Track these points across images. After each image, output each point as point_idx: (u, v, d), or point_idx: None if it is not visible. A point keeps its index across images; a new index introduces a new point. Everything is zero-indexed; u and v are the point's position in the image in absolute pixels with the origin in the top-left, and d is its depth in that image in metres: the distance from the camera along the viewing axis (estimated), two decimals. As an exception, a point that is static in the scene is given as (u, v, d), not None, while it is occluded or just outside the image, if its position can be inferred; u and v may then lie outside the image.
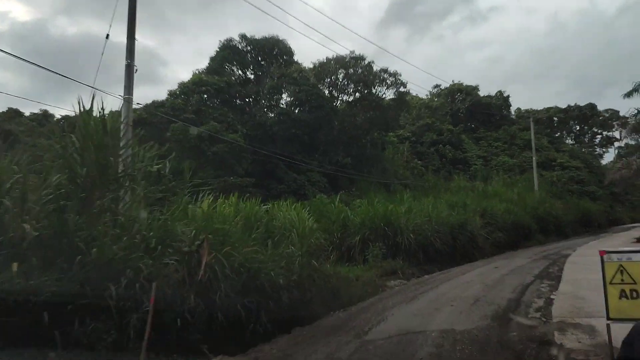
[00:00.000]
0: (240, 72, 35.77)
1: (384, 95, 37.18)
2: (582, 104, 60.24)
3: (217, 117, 27.61)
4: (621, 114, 62.23)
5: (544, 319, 8.72)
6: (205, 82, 28.43)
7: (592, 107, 58.47)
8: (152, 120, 26.70)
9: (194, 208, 9.23)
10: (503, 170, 43.86)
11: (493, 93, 57.17)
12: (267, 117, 30.39)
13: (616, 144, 62.89)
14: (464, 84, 56.32)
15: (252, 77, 36.17)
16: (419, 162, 41.72)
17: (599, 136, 60.79)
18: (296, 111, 31.89)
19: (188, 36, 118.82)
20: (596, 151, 59.33)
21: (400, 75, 36.93)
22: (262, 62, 36.32)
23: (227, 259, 7.92)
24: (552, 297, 10.74)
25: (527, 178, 41.48)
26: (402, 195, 23.66)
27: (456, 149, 46.13)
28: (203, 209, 9.35)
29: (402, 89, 36.85)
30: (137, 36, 12.44)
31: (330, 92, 36.91)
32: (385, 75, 36.67)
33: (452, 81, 58.28)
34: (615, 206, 46.69)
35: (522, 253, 23.28)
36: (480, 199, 28.42)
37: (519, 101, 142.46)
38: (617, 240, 26.25)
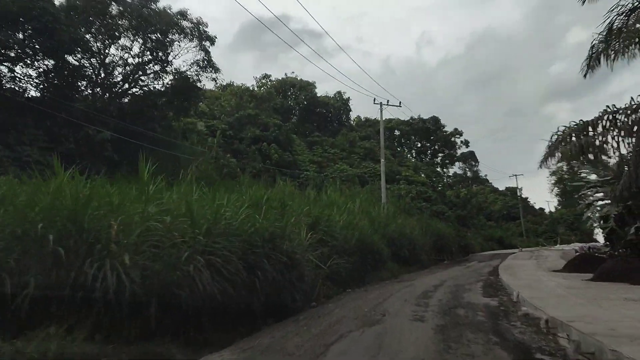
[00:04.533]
0: None
1: (185, 52, 25.30)
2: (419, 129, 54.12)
3: None
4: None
5: None
6: None
7: (436, 120, 52.71)
8: None
9: None
10: (341, 180, 34.17)
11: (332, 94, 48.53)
12: None
13: (457, 164, 58.71)
14: (299, 78, 46.85)
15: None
16: (234, 159, 30.16)
17: (441, 154, 55.45)
18: None
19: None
20: (437, 169, 53.35)
21: (207, 26, 25.38)
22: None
23: None
24: None
25: (371, 189, 32.34)
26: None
27: (284, 150, 35.56)
28: None
29: (207, 44, 25.20)
30: None
31: (95, 39, 23.88)
32: (184, 23, 24.81)
33: (285, 74, 48.64)
34: (463, 231, 39.91)
35: (384, 293, 12.61)
36: (311, 207, 17.51)
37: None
38: (526, 271, 16.84)
